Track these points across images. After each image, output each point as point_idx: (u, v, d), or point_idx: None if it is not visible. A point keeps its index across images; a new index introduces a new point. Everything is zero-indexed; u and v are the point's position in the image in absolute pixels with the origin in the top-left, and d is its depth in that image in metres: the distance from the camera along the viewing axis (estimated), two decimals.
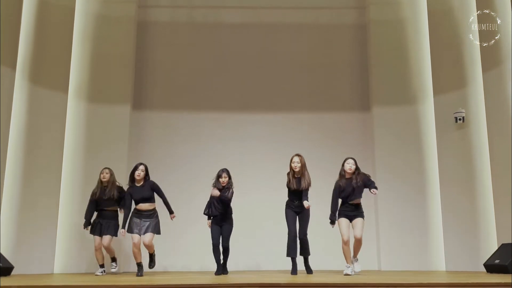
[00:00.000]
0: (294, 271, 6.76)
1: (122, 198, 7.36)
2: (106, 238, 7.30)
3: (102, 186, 7.48)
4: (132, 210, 7.07)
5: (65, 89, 9.14)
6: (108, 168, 7.61)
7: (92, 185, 9.02)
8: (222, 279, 5.46)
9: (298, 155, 7.02)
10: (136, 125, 9.68)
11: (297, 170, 6.93)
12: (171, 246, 8.90)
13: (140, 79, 9.97)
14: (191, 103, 9.94)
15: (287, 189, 7.07)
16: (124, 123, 9.41)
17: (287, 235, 6.95)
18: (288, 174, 7.04)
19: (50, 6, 9.07)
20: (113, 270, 7.53)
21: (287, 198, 7.13)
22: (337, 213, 6.73)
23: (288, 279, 5.51)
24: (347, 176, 6.74)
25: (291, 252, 6.87)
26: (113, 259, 7.57)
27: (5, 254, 7.46)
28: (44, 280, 5.86)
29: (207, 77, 10.06)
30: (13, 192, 8.14)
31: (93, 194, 7.53)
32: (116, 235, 7.40)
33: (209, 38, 10.24)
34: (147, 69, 10.07)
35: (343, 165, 6.82)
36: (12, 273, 7.21)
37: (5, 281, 5.66)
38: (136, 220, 6.97)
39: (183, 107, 9.91)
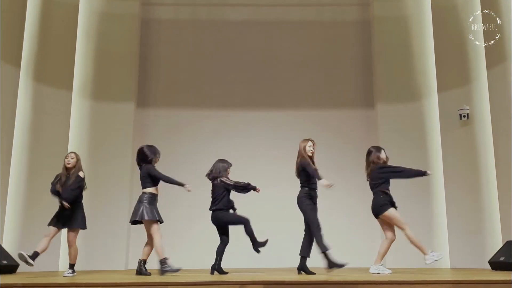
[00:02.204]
0: (332, 264, 5.89)
1: (79, 188, 6.45)
2: (71, 233, 6.37)
3: (66, 173, 6.46)
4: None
5: (69, 87, 9.18)
6: (74, 153, 6.64)
7: (97, 183, 9.07)
8: (225, 277, 5.46)
9: (312, 140, 6.59)
10: (140, 123, 9.72)
11: (311, 155, 6.43)
12: (173, 244, 8.89)
13: (144, 76, 9.99)
14: (195, 100, 9.96)
15: (303, 178, 6.36)
16: (128, 120, 9.45)
17: (315, 230, 6.06)
18: (302, 158, 6.34)
19: (54, 4, 9.09)
20: (67, 275, 6.20)
21: (298, 190, 6.45)
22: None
23: (292, 277, 5.51)
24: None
25: (326, 246, 5.98)
26: (72, 265, 6.36)
27: (10, 252, 7.49)
28: (49, 278, 5.87)
29: (211, 75, 10.08)
30: (18, 190, 8.18)
31: (57, 177, 6.50)
32: (84, 228, 6.49)
33: (212, 35, 10.26)
34: (151, 67, 10.09)
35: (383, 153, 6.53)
36: (17, 271, 7.25)
37: (10, 278, 5.68)
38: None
39: (187, 105, 9.94)
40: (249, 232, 6.50)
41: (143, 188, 6.41)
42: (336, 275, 5.77)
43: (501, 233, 7.88)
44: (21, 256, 5.91)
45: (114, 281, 4.93)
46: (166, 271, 5.98)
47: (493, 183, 8.18)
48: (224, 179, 6.73)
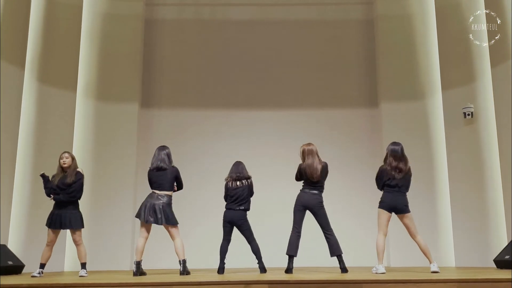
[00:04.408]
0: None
1: (77, 185, 6.37)
2: (76, 232, 6.36)
3: (62, 172, 6.41)
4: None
5: (74, 87, 9.21)
6: (68, 152, 6.57)
7: (101, 183, 9.11)
8: (230, 277, 5.47)
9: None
10: (144, 123, 9.75)
11: None
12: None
13: (148, 77, 10.01)
14: (198, 100, 9.99)
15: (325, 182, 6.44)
16: (132, 121, 9.48)
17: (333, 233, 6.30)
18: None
19: (58, 5, 9.12)
20: (84, 274, 6.23)
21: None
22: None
23: (297, 276, 5.51)
24: None
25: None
26: (84, 265, 6.42)
27: (16, 252, 7.53)
28: (54, 278, 5.89)
29: (215, 75, 10.09)
30: (23, 191, 8.21)
31: (52, 178, 6.49)
32: (83, 227, 6.47)
33: (216, 35, 10.27)
34: (155, 67, 10.12)
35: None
36: (23, 271, 7.28)
37: (16, 279, 5.70)
38: None
39: (190, 105, 9.96)
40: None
41: (168, 190, 6.38)
42: (341, 274, 5.77)
43: (506, 232, 7.86)
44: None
45: (119, 281, 4.94)
46: (188, 272, 6.24)
47: (498, 181, 8.16)
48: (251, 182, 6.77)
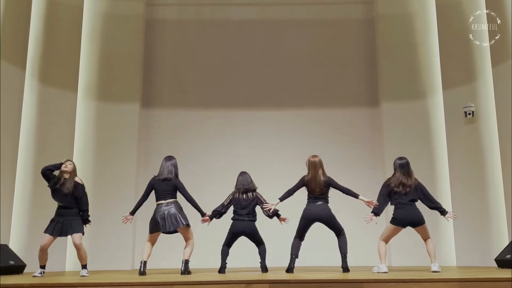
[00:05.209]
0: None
1: (79, 197, 6.47)
2: (77, 236, 6.31)
3: (63, 178, 6.42)
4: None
5: (75, 88, 9.22)
6: (71, 160, 6.65)
7: (102, 183, 9.11)
8: (231, 276, 5.47)
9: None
10: (145, 123, 9.76)
11: None
12: (178, 244, 8.91)
13: (148, 77, 10.02)
14: (199, 100, 9.99)
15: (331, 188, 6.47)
16: (133, 121, 9.49)
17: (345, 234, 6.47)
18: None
19: (58, 5, 9.13)
20: (85, 274, 6.30)
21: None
22: None
23: (298, 276, 5.52)
24: None
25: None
26: (85, 266, 6.46)
27: (17, 252, 7.53)
28: (56, 278, 5.90)
29: (215, 75, 10.10)
30: (24, 191, 8.22)
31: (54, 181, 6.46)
32: (83, 233, 6.47)
33: (217, 35, 10.28)
34: (156, 67, 10.12)
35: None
36: (24, 271, 7.28)
37: (17, 279, 5.71)
38: None
39: (191, 105, 9.97)
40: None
41: (173, 198, 6.58)
42: (342, 274, 5.78)
43: (507, 231, 7.86)
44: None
45: (121, 281, 4.94)
46: (189, 272, 6.35)
47: (499, 180, 8.16)
48: (259, 193, 6.87)
